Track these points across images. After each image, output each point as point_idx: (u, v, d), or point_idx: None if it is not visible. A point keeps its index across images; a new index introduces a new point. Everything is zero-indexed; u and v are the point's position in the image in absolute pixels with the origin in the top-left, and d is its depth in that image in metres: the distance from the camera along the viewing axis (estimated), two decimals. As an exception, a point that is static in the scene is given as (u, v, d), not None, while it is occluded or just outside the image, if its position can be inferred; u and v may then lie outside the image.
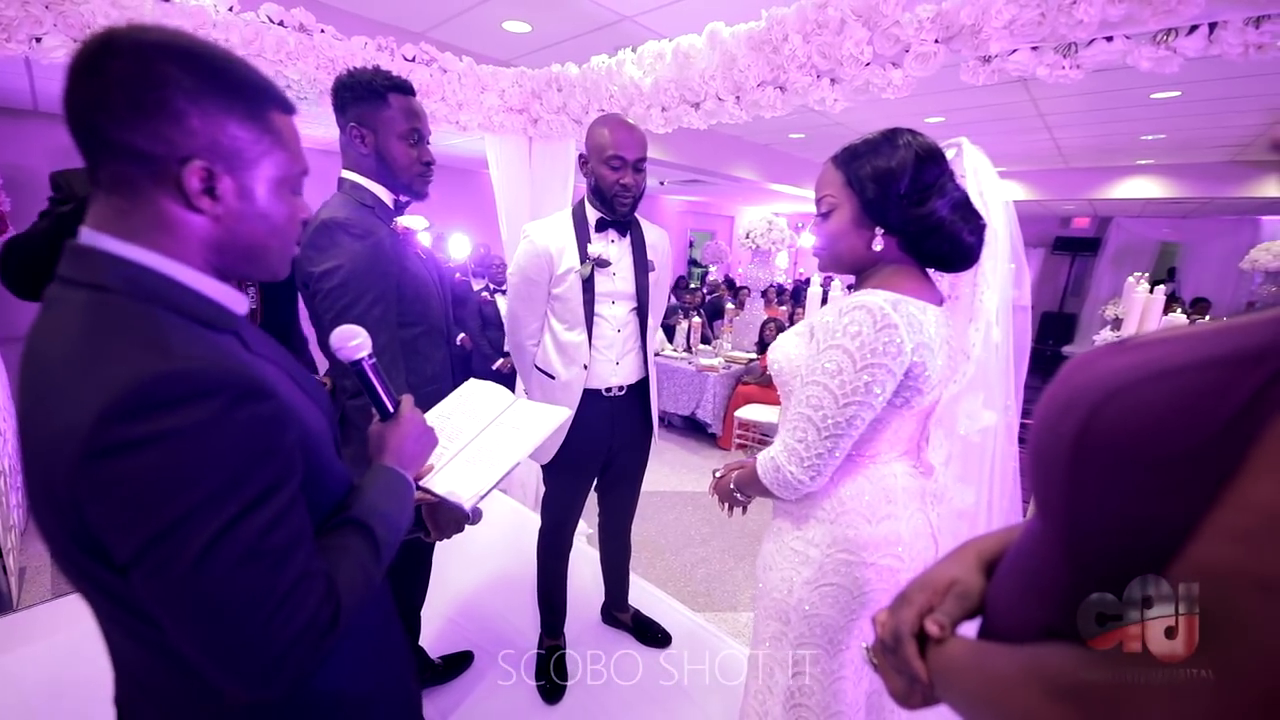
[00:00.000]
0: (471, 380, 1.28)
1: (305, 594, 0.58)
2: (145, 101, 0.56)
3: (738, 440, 5.10)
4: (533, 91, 2.83)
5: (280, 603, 0.56)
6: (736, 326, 6.21)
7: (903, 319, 1.00)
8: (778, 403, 1.14)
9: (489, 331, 4.47)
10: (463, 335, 4.41)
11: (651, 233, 1.88)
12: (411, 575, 1.81)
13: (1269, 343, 0.35)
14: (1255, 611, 0.32)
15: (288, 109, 0.68)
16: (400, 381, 1.42)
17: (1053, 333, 9.84)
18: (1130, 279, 3.77)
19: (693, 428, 5.59)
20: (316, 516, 0.68)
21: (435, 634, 2.14)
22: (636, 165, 1.68)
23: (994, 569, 0.61)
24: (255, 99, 0.63)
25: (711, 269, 10.92)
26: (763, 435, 4.91)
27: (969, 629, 0.60)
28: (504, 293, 2.02)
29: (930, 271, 1.14)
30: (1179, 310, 5.41)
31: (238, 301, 0.68)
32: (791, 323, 5.86)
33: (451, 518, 1.04)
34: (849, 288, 1.17)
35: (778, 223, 6.39)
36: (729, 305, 6.76)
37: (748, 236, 6.45)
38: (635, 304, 1.84)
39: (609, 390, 1.85)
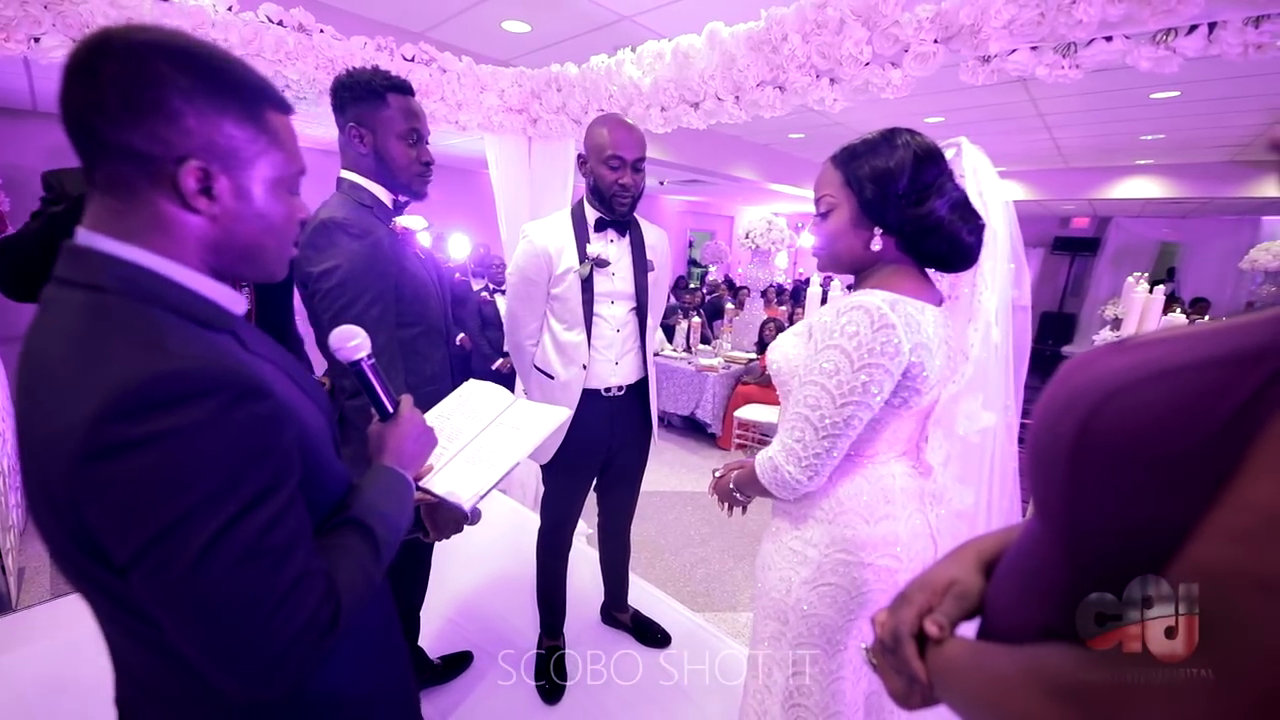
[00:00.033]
0: (471, 380, 1.28)
1: (305, 593, 0.58)
2: (140, 101, 0.56)
3: (737, 440, 5.10)
4: (532, 91, 2.82)
5: (280, 602, 0.56)
6: (736, 326, 6.21)
7: (900, 319, 1.00)
8: (777, 403, 1.14)
9: (488, 331, 4.47)
10: (462, 335, 4.41)
11: (650, 233, 1.88)
12: (410, 575, 1.81)
13: (1268, 342, 0.35)
14: (1255, 611, 0.32)
15: (284, 108, 0.67)
16: (399, 382, 1.42)
17: (1052, 333, 9.85)
18: (1130, 279, 3.78)
19: (692, 428, 5.59)
20: (316, 516, 0.67)
21: (434, 634, 2.14)
22: (635, 165, 1.68)
23: (993, 569, 0.61)
24: (251, 98, 0.63)
25: (711, 269, 10.92)
26: (762, 435, 4.91)
27: (968, 629, 0.60)
28: (503, 293, 2.01)
29: (930, 272, 1.14)
30: (1178, 310, 5.42)
31: (235, 301, 0.68)
32: (791, 323, 5.86)
33: (450, 518, 1.04)
34: (848, 288, 1.17)
35: (777, 223, 6.40)
36: (728, 305, 6.76)
37: (747, 236, 6.46)
38: (634, 304, 1.84)
39: (608, 390, 1.85)
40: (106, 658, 0.70)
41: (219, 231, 0.63)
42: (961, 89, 3.92)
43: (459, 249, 5.64)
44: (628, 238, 1.80)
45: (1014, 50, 1.64)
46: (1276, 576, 0.31)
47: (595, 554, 2.27)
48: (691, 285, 9.54)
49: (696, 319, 6.02)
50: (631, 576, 2.31)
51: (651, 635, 2.19)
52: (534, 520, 2.12)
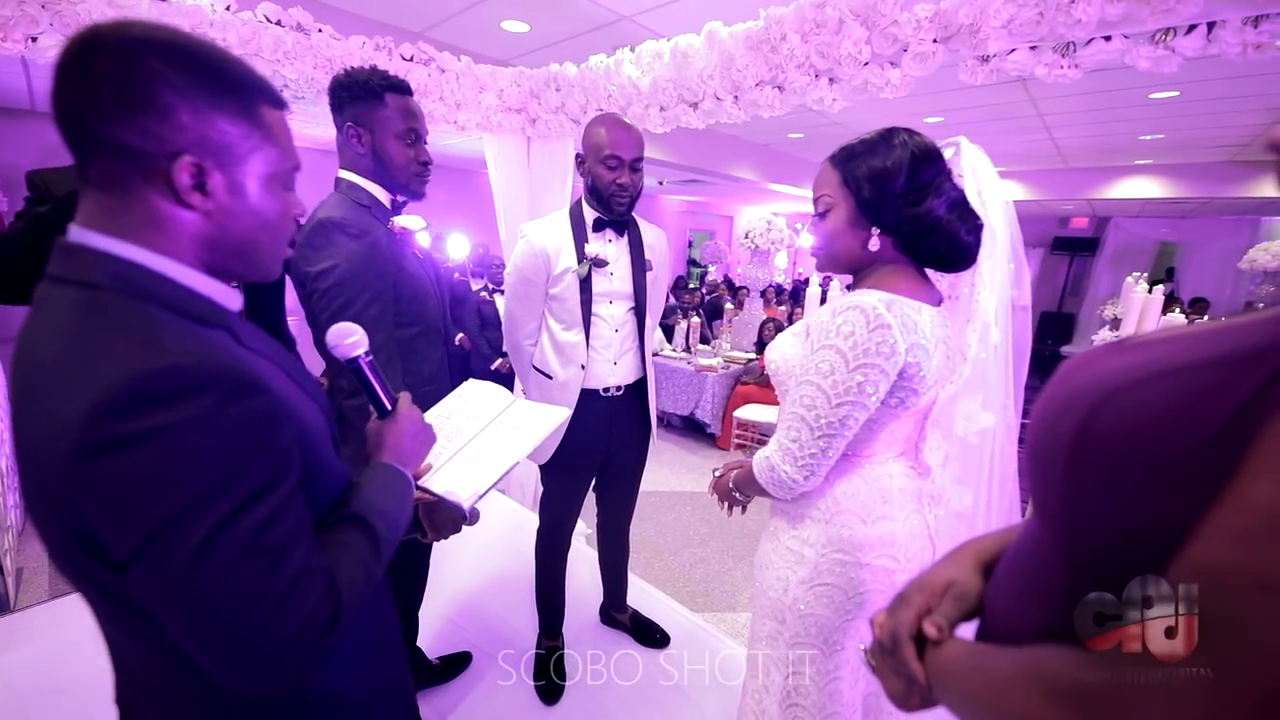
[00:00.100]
0: (471, 380, 1.27)
1: (305, 591, 0.58)
2: (132, 97, 0.56)
3: (736, 440, 5.10)
4: (531, 91, 2.82)
5: (279, 600, 0.56)
6: (735, 326, 6.21)
7: (896, 319, 1.00)
8: (776, 403, 1.14)
9: (487, 331, 4.47)
10: (461, 335, 4.41)
11: (649, 232, 1.88)
12: (409, 576, 1.81)
13: (1267, 343, 0.35)
14: (1254, 612, 0.32)
15: (278, 104, 0.67)
16: (397, 382, 1.42)
17: (1051, 333, 9.86)
18: (1129, 279, 3.78)
19: (691, 428, 5.59)
20: (315, 514, 0.67)
21: (433, 635, 2.14)
22: (633, 165, 1.68)
23: (992, 570, 0.61)
24: (245, 93, 0.63)
25: (710, 269, 10.92)
26: (761, 435, 4.91)
27: (967, 630, 0.60)
28: (503, 293, 2.01)
29: (930, 272, 1.14)
30: (1177, 310, 5.42)
31: (230, 297, 0.67)
32: (790, 323, 5.86)
33: (449, 518, 1.04)
34: (847, 288, 1.17)
35: (777, 223, 6.39)
36: (728, 305, 6.76)
37: (747, 236, 6.45)
38: (633, 304, 1.84)
39: (607, 390, 1.85)
40: (106, 658, 0.69)
41: (213, 228, 0.62)
42: (961, 89, 3.92)
43: (458, 249, 5.64)
44: (626, 237, 1.80)
45: (1013, 50, 1.64)
46: (1276, 576, 0.31)
47: (594, 554, 2.27)
48: (691, 285, 9.54)
49: (696, 319, 6.01)
50: (631, 576, 2.30)
51: (651, 635, 2.19)
52: (533, 520, 2.12)
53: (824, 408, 1.02)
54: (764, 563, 1.22)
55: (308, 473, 0.64)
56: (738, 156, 6.52)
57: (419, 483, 0.98)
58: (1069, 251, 10.36)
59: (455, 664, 2.01)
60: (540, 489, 2.01)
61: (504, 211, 3.11)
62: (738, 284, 8.79)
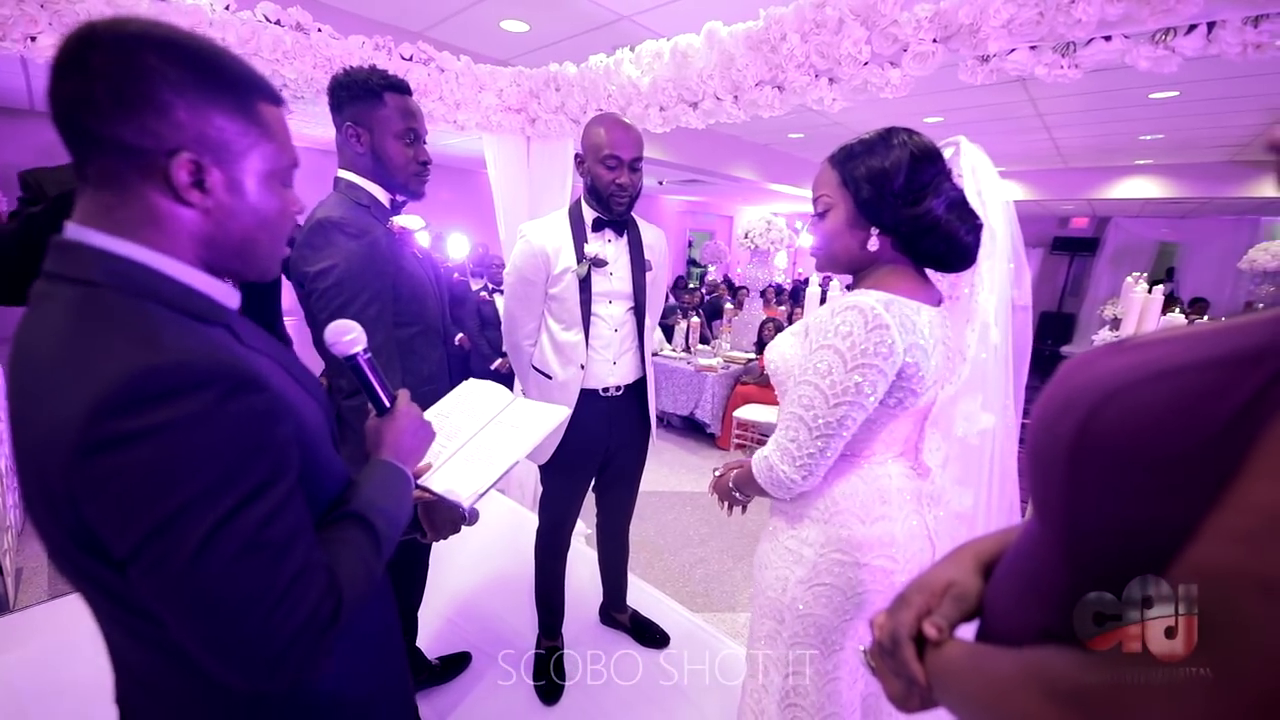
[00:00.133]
0: (470, 379, 1.27)
1: (306, 588, 0.58)
2: (130, 94, 0.55)
3: (736, 440, 5.10)
4: (530, 91, 2.82)
5: (281, 597, 0.56)
6: (735, 326, 6.21)
7: (895, 319, 1.00)
8: (776, 403, 1.14)
9: (487, 331, 4.47)
10: (461, 335, 4.41)
11: (648, 232, 1.87)
12: (408, 576, 1.81)
13: (1267, 343, 0.35)
14: (1256, 613, 0.32)
15: (275, 100, 0.67)
16: (396, 382, 1.41)
17: (1051, 333, 9.86)
18: (1129, 279, 3.77)
19: (691, 428, 5.59)
20: (315, 512, 0.67)
21: (432, 635, 2.14)
22: (632, 165, 1.67)
23: (992, 571, 0.61)
24: (242, 90, 0.63)
25: (710, 269, 10.92)
26: (761, 435, 4.91)
27: (967, 631, 0.60)
28: (502, 292, 2.01)
29: (930, 272, 1.14)
30: (1177, 310, 5.42)
31: (229, 295, 0.67)
32: (790, 323, 5.86)
33: (448, 518, 1.03)
34: (847, 288, 1.17)
35: (776, 222, 6.38)
36: (728, 305, 6.76)
37: (746, 236, 6.44)
38: (632, 303, 1.83)
39: (606, 390, 1.84)
40: (105, 658, 0.69)
41: (212, 225, 0.62)
42: (960, 89, 3.92)
43: (457, 249, 5.63)
44: (625, 237, 1.80)
45: (1013, 50, 1.64)
46: (1277, 578, 0.31)
47: (594, 554, 2.27)
48: (691, 285, 9.55)
49: (695, 319, 6.01)
50: (630, 577, 2.30)
51: (650, 635, 2.19)
52: (532, 520, 2.12)
53: (822, 408, 1.02)
54: (763, 562, 1.22)
55: (307, 470, 0.64)
56: (738, 156, 6.52)
57: (419, 482, 0.98)
58: (1069, 251, 10.35)
59: (455, 664, 2.01)
60: (540, 489, 2.01)
61: (503, 211, 3.10)
62: (737, 284, 8.79)
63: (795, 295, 8.34)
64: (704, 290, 8.46)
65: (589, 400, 1.81)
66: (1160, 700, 0.35)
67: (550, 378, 1.81)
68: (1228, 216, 8.88)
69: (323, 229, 1.37)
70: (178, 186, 0.59)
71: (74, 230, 0.59)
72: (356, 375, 0.90)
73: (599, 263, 1.74)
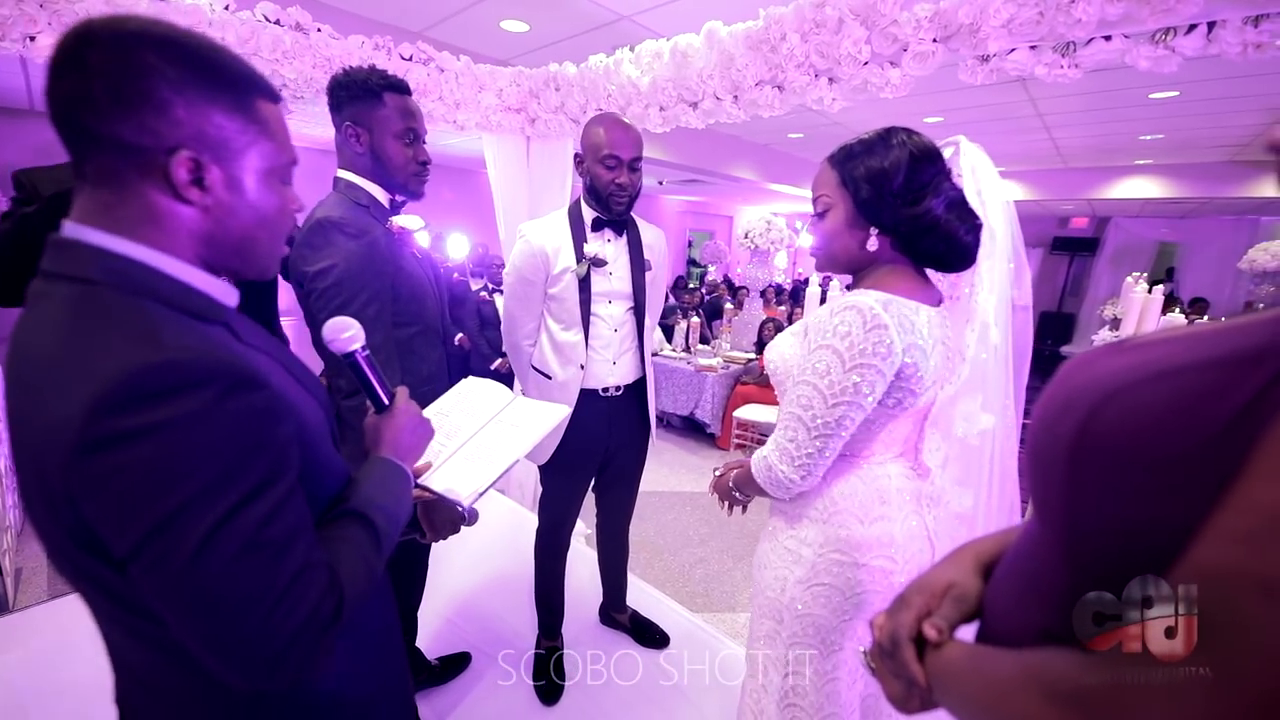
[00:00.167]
0: (470, 378, 1.27)
1: (307, 586, 0.58)
2: (128, 92, 0.55)
3: (736, 440, 5.09)
4: (530, 91, 2.82)
5: (281, 595, 0.56)
6: (735, 326, 6.21)
7: (893, 319, 1.00)
8: (776, 403, 1.14)
9: (487, 331, 4.47)
10: (461, 335, 4.40)
11: (648, 232, 1.87)
12: (408, 576, 1.81)
13: (1267, 344, 0.35)
14: (1256, 613, 0.32)
15: (273, 97, 0.67)
16: (395, 382, 1.41)
17: (1051, 333, 9.85)
18: (1129, 279, 3.77)
19: (691, 428, 5.58)
20: (315, 510, 0.67)
21: (432, 635, 2.14)
22: (632, 164, 1.67)
23: (992, 572, 0.61)
24: (241, 88, 0.63)
25: (710, 269, 10.92)
26: (761, 435, 4.91)
27: (967, 633, 0.60)
28: (502, 292, 2.01)
29: (930, 272, 1.14)
30: (1177, 310, 5.42)
31: (227, 293, 0.67)
32: (790, 323, 5.85)
33: (447, 518, 1.03)
34: (847, 288, 1.17)
35: (776, 222, 6.38)
36: (728, 305, 6.75)
37: (746, 236, 6.44)
38: (632, 303, 1.83)
39: (606, 390, 1.84)
40: (105, 658, 0.69)
41: (211, 223, 0.62)
42: (960, 88, 3.92)
43: (457, 249, 5.63)
44: (625, 237, 1.80)
45: (1013, 49, 1.64)
46: (1278, 578, 0.31)
47: (594, 554, 2.27)
48: (690, 285, 9.54)
49: (695, 319, 6.01)
50: (630, 577, 2.30)
51: (650, 636, 2.19)
52: (532, 520, 2.12)
53: (820, 408, 1.02)
54: (762, 562, 1.22)
55: (307, 469, 0.64)
56: (738, 156, 6.52)
57: (418, 481, 0.98)
58: (1069, 251, 10.35)
59: (454, 664, 2.00)
60: (539, 489, 2.01)
61: (503, 211, 3.10)
62: (737, 284, 8.79)
63: (795, 295, 8.34)
64: (704, 290, 8.46)
65: (589, 400, 1.81)
66: (1160, 701, 0.35)
67: (550, 378, 1.81)
68: (1227, 216, 8.88)
69: (322, 229, 1.37)
70: (177, 184, 0.59)
71: (72, 228, 0.59)
72: (354, 372, 0.89)
73: (598, 262, 1.73)
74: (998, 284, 1.24)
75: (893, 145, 1.04)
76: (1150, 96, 4.27)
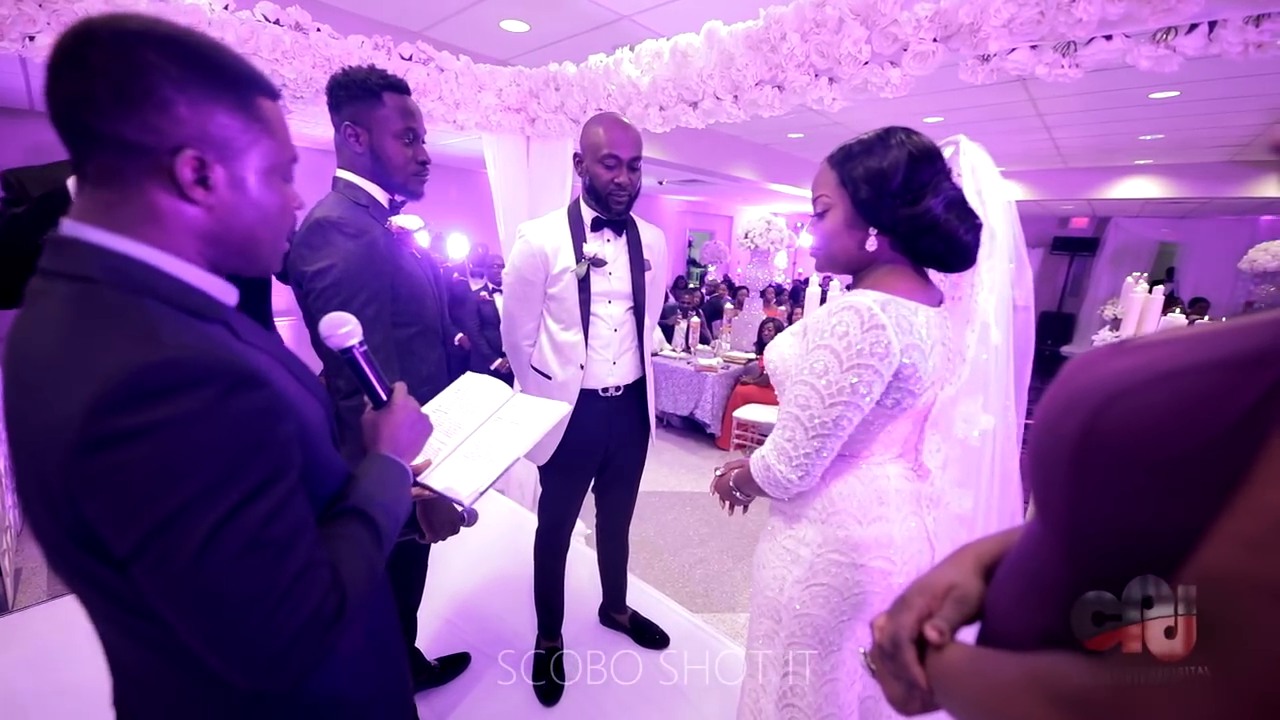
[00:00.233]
0: (468, 374, 1.26)
1: (309, 585, 0.58)
2: (132, 91, 0.55)
3: (736, 440, 5.09)
4: (530, 91, 2.82)
5: (284, 594, 0.55)
6: (735, 326, 6.21)
7: (891, 320, 1.00)
8: (776, 403, 1.14)
9: (487, 331, 4.47)
10: (461, 335, 4.40)
11: (648, 232, 1.87)
12: (407, 576, 1.80)
13: (1270, 345, 0.35)
14: (1265, 619, 0.31)
15: (274, 95, 0.67)
16: (394, 382, 1.41)
17: (1051, 333, 9.84)
18: (1129, 279, 3.77)
19: (691, 428, 5.58)
20: (315, 509, 0.67)
21: (431, 636, 2.14)
22: (631, 164, 1.67)
23: (993, 573, 0.61)
24: (242, 85, 0.62)
25: (710, 269, 10.92)
26: (761, 435, 4.91)
27: (968, 634, 0.59)
28: (502, 292, 2.01)
29: (931, 272, 1.14)
30: (1178, 310, 5.41)
31: (226, 292, 0.67)
32: (790, 323, 5.85)
33: (446, 519, 1.03)
34: (847, 288, 1.16)
35: (776, 222, 6.38)
36: (728, 305, 6.75)
37: (746, 236, 6.44)
38: (632, 303, 1.83)
39: (606, 390, 1.84)
40: (104, 659, 0.69)
41: (214, 222, 0.62)
42: (961, 88, 3.92)
43: (457, 249, 5.63)
44: (624, 237, 1.80)
45: (1013, 49, 1.64)
46: None
47: (593, 555, 2.27)
48: (691, 285, 9.54)
49: (695, 319, 6.01)
50: (630, 577, 2.30)
51: (650, 636, 2.19)
52: (532, 521, 2.12)
53: (818, 407, 1.02)
54: (761, 562, 1.22)
55: (308, 468, 0.63)
56: (738, 156, 6.52)
57: (418, 480, 0.97)
58: (1069, 251, 10.36)
59: (454, 665, 2.00)
60: (539, 489, 2.01)
61: (503, 211, 3.10)
62: (737, 284, 8.78)
63: (795, 295, 8.34)
64: (704, 290, 8.46)
65: (588, 400, 1.81)
66: (1165, 706, 0.35)
67: (549, 378, 1.81)
68: (1228, 216, 8.88)
69: (321, 229, 1.37)
70: (182, 184, 0.58)
71: (71, 226, 0.59)
72: (352, 368, 0.89)
73: (598, 262, 1.73)
74: (998, 284, 1.24)
75: (891, 145, 1.04)
76: (1150, 96, 4.26)
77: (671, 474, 4.63)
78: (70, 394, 0.51)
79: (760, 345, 5.70)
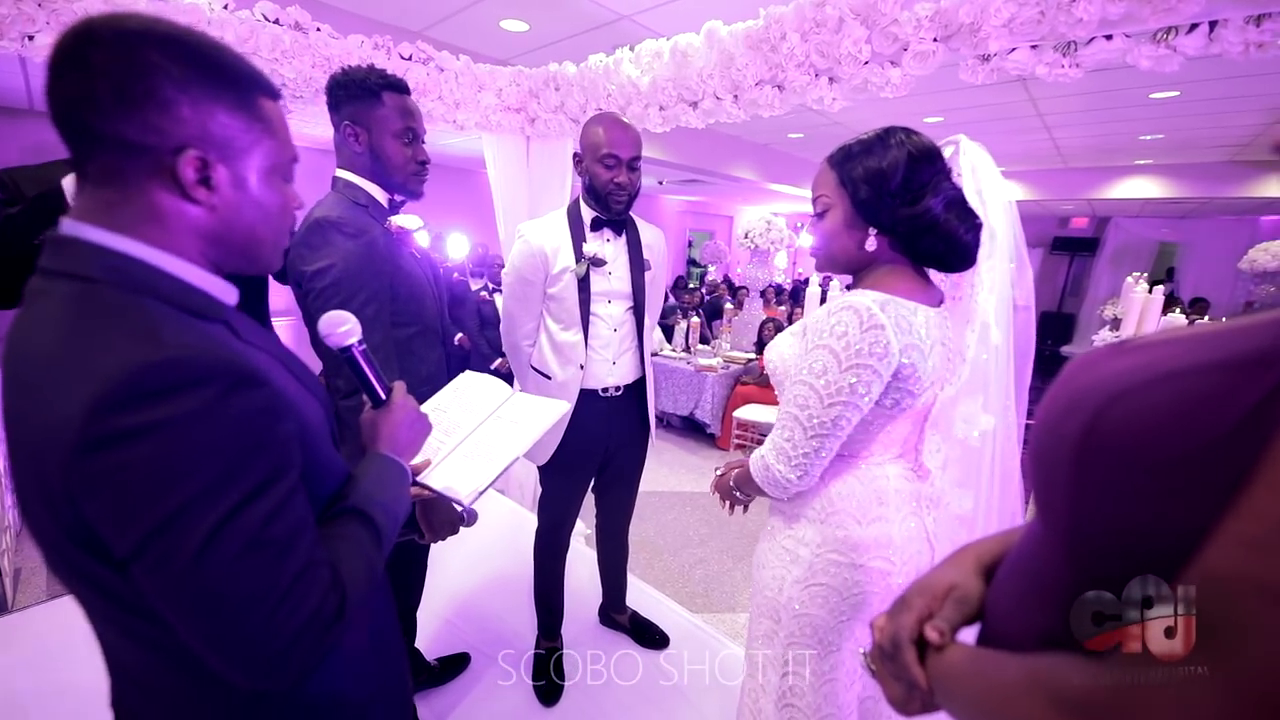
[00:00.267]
0: (467, 372, 1.25)
1: (309, 585, 0.57)
2: (133, 92, 0.55)
3: (736, 440, 5.09)
4: (530, 90, 2.82)
5: (285, 594, 0.55)
6: (735, 326, 6.21)
7: (890, 320, 1.00)
8: (776, 403, 1.14)
9: (487, 331, 4.47)
10: (461, 335, 4.40)
11: (647, 232, 1.87)
12: (407, 576, 1.80)
13: (1272, 346, 0.35)
14: (1267, 621, 0.31)
15: (274, 94, 0.67)
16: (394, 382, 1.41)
17: (1051, 333, 9.84)
18: (1129, 279, 3.78)
19: (691, 428, 5.58)
20: (315, 509, 0.66)
21: (431, 636, 2.13)
22: (631, 164, 1.67)
23: (993, 573, 0.60)
24: (243, 85, 0.63)
25: (710, 269, 10.92)
26: (761, 435, 4.90)
27: (969, 634, 0.59)
28: (502, 292, 2.01)
29: (932, 272, 1.14)
30: (1178, 310, 5.41)
31: (226, 291, 0.67)
32: (790, 323, 5.85)
33: (446, 519, 1.03)
34: (847, 288, 1.16)
35: (776, 222, 6.38)
36: (728, 305, 6.75)
37: (746, 236, 6.44)
38: (631, 303, 1.83)
39: (605, 390, 1.84)
40: (103, 659, 0.69)
41: (216, 222, 0.62)
42: (961, 88, 3.92)
43: (457, 249, 5.63)
44: (624, 237, 1.80)
45: (1014, 49, 1.64)
46: None
47: (593, 555, 2.27)
48: (690, 285, 9.54)
49: (695, 319, 6.01)
50: (630, 577, 2.30)
51: (650, 636, 2.19)
52: (531, 521, 2.12)
53: (816, 407, 1.02)
54: (761, 562, 1.22)
55: (307, 467, 0.63)
56: (738, 156, 6.51)
57: (417, 479, 0.97)
58: (1069, 251, 10.36)
59: (454, 665, 2.00)
60: (539, 489, 2.01)
61: (503, 211, 3.10)
62: (737, 284, 8.78)
63: (795, 295, 8.34)
64: (704, 290, 8.46)
65: (588, 400, 1.81)
66: (1167, 709, 0.34)
67: (549, 378, 1.81)
68: (1228, 216, 8.88)
69: (320, 228, 1.37)
70: (184, 184, 0.58)
71: (71, 226, 0.59)
72: (351, 367, 0.89)
73: (597, 262, 1.73)
74: (998, 284, 1.24)
75: (891, 145, 1.04)
76: (1151, 96, 4.26)
77: (671, 474, 4.62)
78: (70, 394, 0.51)
79: (760, 345, 5.70)
